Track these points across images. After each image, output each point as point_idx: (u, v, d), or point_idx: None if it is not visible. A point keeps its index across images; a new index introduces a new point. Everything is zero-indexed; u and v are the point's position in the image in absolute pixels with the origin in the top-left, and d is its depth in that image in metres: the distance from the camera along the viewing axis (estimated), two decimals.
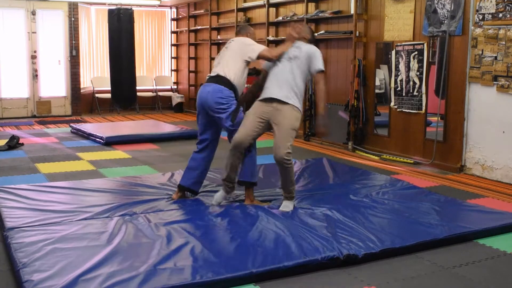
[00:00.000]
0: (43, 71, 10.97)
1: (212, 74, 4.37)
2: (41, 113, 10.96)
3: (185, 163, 5.98)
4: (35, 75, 10.87)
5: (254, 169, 4.34)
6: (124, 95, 11.05)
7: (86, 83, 11.74)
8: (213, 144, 4.51)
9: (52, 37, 10.97)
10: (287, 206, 4.15)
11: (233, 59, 4.33)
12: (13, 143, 7.16)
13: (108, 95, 11.57)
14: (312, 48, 4.24)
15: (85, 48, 11.70)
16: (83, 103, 11.48)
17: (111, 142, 7.51)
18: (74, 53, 11.10)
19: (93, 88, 11.71)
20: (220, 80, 4.27)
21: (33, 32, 10.75)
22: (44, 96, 11.03)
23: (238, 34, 4.67)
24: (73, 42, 11.06)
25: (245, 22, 9.90)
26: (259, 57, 4.32)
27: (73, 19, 11.03)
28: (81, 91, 11.39)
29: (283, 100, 4.10)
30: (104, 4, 11.74)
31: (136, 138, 7.80)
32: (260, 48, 4.34)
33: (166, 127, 9.04)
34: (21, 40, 10.73)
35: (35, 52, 10.82)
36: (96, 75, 12.09)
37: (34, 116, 10.89)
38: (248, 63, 4.37)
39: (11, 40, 10.68)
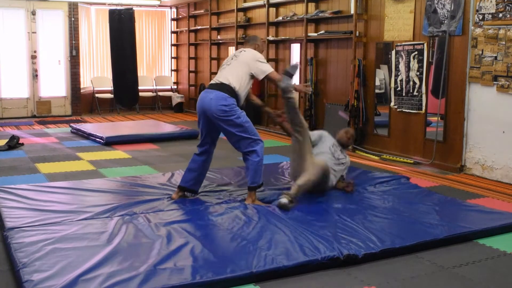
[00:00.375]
0: (43, 71, 10.97)
1: (216, 81, 4.38)
2: (41, 113, 10.96)
3: (185, 163, 5.99)
4: (35, 75, 10.87)
5: (258, 173, 4.34)
6: (126, 95, 11.04)
7: (86, 83, 11.74)
8: (212, 147, 4.57)
9: (52, 37, 10.97)
10: (284, 202, 4.15)
11: (240, 70, 4.35)
12: (13, 143, 7.16)
13: (108, 95, 11.58)
14: (350, 161, 5.06)
15: (85, 48, 11.70)
16: (83, 103, 11.48)
17: (111, 142, 7.51)
18: (74, 53, 11.10)
19: (93, 88, 11.71)
20: (223, 87, 4.28)
21: (33, 32, 10.75)
22: (44, 96, 11.03)
23: (246, 43, 4.69)
24: (73, 42, 11.06)
25: (245, 22, 9.91)
26: (267, 77, 4.42)
27: (73, 19, 11.04)
28: (81, 91, 11.39)
29: None
30: (104, 4, 11.75)
31: (136, 138, 7.81)
32: (269, 69, 4.42)
33: (166, 127, 9.04)
34: (21, 40, 10.73)
35: (35, 52, 10.82)
36: (96, 75, 12.09)
37: (34, 116, 10.89)
38: (253, 76, 4.42)
39: (11, 40, 10.69)
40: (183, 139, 8.02)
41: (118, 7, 10.92)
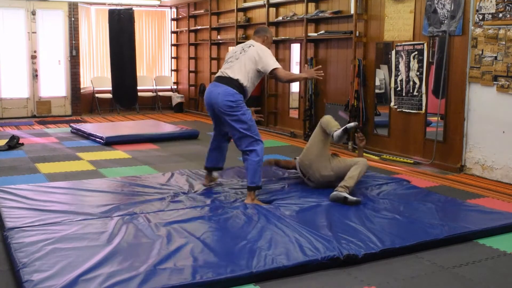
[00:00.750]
0: (43, 71, 10.97)
1: (224, 74, 4.41)
2: (41, 113, 10.96)
3: (185, 163, 6.00)
4: (35, 75, 10.87)
5: (257, 173, 4.35)
6: (125, 95, 11.03)
7: (86, 83, 11.74)
8: (227, 132, 4.69)
9: (52, 37, 10.97)
10: (352, 199, 4.33)
11: (248, 66, 4.40)
12: (13, 143, 7.16)
13: (108, 95, 11.58)
14: None
15: (85, 48, 11.70)
16: (83, 103, 11.48)
17: (111, 142, 7.51)
18: (74, 53, 11.10)
19: (93, 88, 11.71)
20: (231, 82, 4.32)
21: (33, 32, 10.75)
22: (44, 96, 11.03)
23: (255, 34, 4.72)
24: (73, 42, 11.06)
25: (245, 22, 9.90)
26: (272, 73, 4.45)
27: (73, 19, 11.03)
28: (81, 91, 11.39)
29: None
30: (104, 4, 11.75)
31: (136, 138, 7.80)
32: (274, 65, 4.42)
33: (166, 127, 9.04)
34: (21, 40, 10.73)
35: (35, 52, 10.82)
36: (96, 75, 12.09)
37: (34, 116, 10.89)
38: (261, 72, 4.46)
39: (11, 40, 10.69)
40: (183, 139, 8.02)
41: (118, 7, 10.93)
